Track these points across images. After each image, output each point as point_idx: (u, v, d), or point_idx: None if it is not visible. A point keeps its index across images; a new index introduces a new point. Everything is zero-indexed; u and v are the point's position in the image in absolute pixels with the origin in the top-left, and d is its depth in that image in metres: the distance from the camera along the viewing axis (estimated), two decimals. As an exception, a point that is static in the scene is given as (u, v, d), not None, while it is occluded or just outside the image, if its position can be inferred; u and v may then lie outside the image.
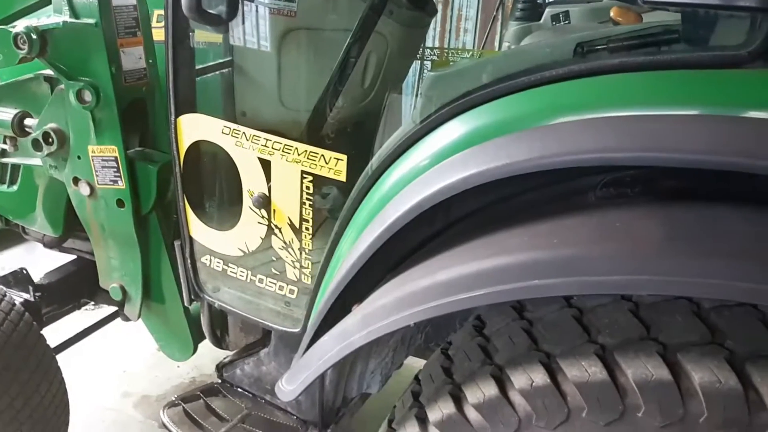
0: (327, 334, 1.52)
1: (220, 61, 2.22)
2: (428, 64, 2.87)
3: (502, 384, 1.26)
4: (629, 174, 1.33)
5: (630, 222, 1.19)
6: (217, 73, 2.24)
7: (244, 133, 1.81)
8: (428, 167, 1.44)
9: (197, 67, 1.99)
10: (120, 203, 2.20)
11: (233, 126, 1.83)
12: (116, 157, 2.13)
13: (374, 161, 1.65)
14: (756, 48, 1.20)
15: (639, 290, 1.12)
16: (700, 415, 1.07)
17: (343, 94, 2.30)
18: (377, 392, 2.20)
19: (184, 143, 1.95)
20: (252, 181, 1.85)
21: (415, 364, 2.46)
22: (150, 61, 2.21)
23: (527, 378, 1.22)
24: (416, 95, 2.31)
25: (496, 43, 4.72)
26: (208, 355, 2.74)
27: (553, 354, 1.23)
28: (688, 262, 1.06)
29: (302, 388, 1.56)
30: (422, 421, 1.37)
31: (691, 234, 1.12)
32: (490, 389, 1.26)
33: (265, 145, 1.79)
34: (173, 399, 2.32)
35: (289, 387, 1.61)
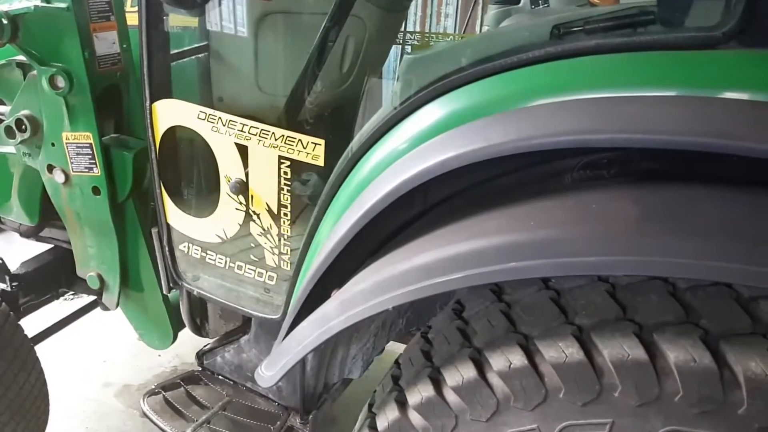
0: (306, 319, 1.51)
1: (196, 45, 2.18)
2: (409, 48, 2.84)
3: (481, 366, 1.26)
4: (605, 156, 1.33)
5: (605, 203, 1.20)
6: (194, 58, 2.21)
7: (220, 118, 1.79)
8: (406, 151, 1.43)
9: (173, 52, 1.96)
10: (96, 191, 2.17)
11: (209, 111, 1.81)
12: (91, 144, 2.09)
13: (353, 145, 1.64)
14: (730, 29, 1.21)
15: (614, 271, 1.12)
16: (675, 393, 1.08)
17: (321, 78, 2.28)
18: (359, 377, 2.20)
19: (160, 129, 1.93)
20: (229, 167, 1.84)
21: (396, 349, 2.47)
22: (124, 45, 2.18)
23: (505, 360, 1.22)
24: (390, 79, 2.29)
25: (477, 28, 4.71)
26: (190, 344, 2.72)
27: (531, 336, 1.24)
28: (662, 242, 1.06)
29: (281, 374, 1.56)
30: (401, 404, 1.38)
31: (665, 214, 1.13)
32: (468, 372, 1.26)
33: (242, 131, 1.77)
34: (153, 388, 2.31)
35: (268, 373, 1.60)
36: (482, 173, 1.46)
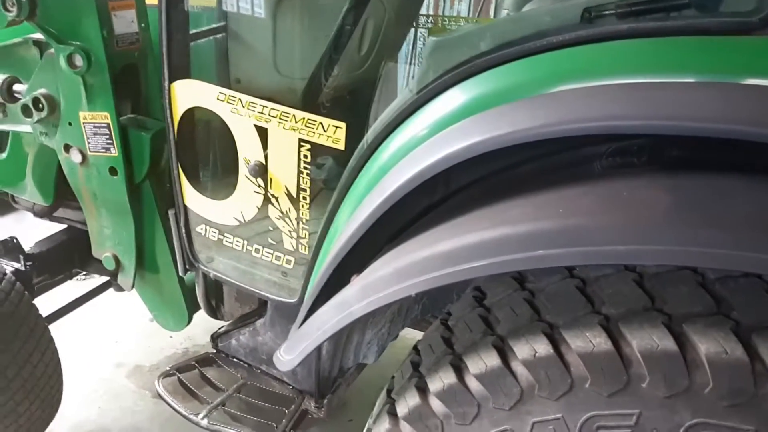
0: (326, 304, 1.50)
1: (215, 26, 2.16)
2: (424, 32, 2.80)
3: (504, 354, 1.25)
4: (636, 143, 1.31)
5: (636, 192, 1.17)
6: (211, 38, 2.19)
7: (240, 99, 1.77)
8: (429, 136, 1.41)
9: (192, 32, 1.93)
10: (112, 171, 2.16)
11: (229, 92, 1.79)
12: (108, 124, 2.08)
13: (374, 129, 1.61)
14: (766, 15, 1.18)
15: (644, 260, 1.10)
16: (705, 385, 1.07)
17: (340, 61, 2.26)
18: (373, 362, 2.19)
19: (178, 110, 1.91)
20: (248, 149, 1.82)
21: (409, 335, 2.47)
22: (142, 25, 2.15)
23: (530, 348, 1.20)
24: (411, 63, 2.26)
25: (492, 12, 4.65)
26: (201, 326, 2.72)
27: (557, 325, 1.22)
28: (694, 231, 1.04)
29: (301, 358, 1.55)
30: (422, 390, 1.36)
31: (696, 204, 1.11)
32: (492, 359, 1.25)
33: (262, 112, 1.75)
34: (168, 369, 2.32)
35: (287, 357, 1.60)
36: (505, 160, 1.44)
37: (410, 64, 2.66)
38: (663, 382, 1.09)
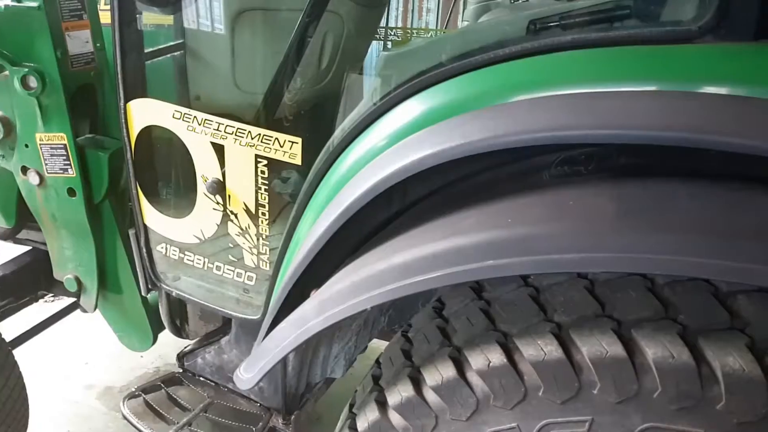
0: (284, 320, 1.50)
1: (172, 43, 2.15)
2: (389, 44, 2.83)
3: (460, 365, 1.25)
4: (583, 152, 1.33)
5: (583, 199, 1.19)
6: (170, 56, 2.18)
7: (195, 117, 1.76)
8: (384, 148, 1.42)
9: (148, 51, 1.93)
10: (71, 192, 2.13)
11: (184, 110, 1.78)
12: (65, 145, 2.06)
13: (330, 143, 1.62)
14: (706, 22, 1.20)
15: (593, 268, 1.12)
16: (654, 390, 1.08)
17: (300, 75, 2.25)
18: (341, 377, 2.18)
19: (135, 129, 1.90)
20: (205, 167, 1.81)
21: (381, 347, 2.46)
22: (98, 44, 2.14)
23: (485, 359, 1.21)
24: (368, 75, 2.27)
25: (459, 22, 4.71)
26: (173, 345, 2.69)
27: (510, 334, 1.23)
28: (641, 238, 1.06)
29: (260, 376, 1.54)
30: (382, 404, 1.36)
31: (643, 210, 1.12)
32: (448, 371, 1.25)
33: (218, 129, 1.74)
34: (133, 390, 2.28)
35: (247, 375, 1.59)
36: (461, 170, 1.45)
37: (368, 77, 2.68)
38: (613, 388, 1.11)
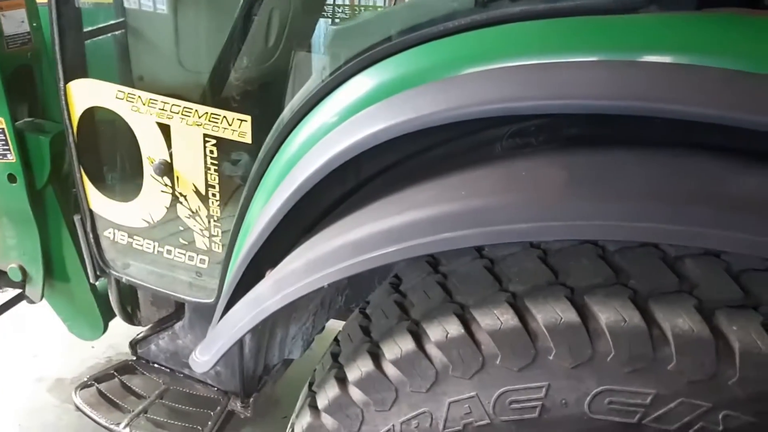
0: (240, 301, 1.48)
1: (113, 22, 2.08)
2: (338, 22, 2.79)
3: (419, 338, 1.26)
4: (534, 123, 1.34)
5: (534, 170, 1.20)
6: (110, 35, 2.11)
7: (139, 97, 1.71)
8: (336, 125, 1.40)
9: (87, 29, 1.85)
10: (11, 178, 2.05)
11: (128, 90, 1.73)
12: (3, 129, 1.98)
13: (280, 121, 1.59)
14: (651, -7, 1.22)
15: (544, 237, 1.13)
16: (607, 354, 1.10)
17: (246, 53, 2.21)
18: (299, 357, 2.17)
19: (77, 111, 1.84)
20: (152, 148, 1.77)
21: (337, 327, 2.45)
22: (34, 24, 2.05)
23: (442, 330, 1.22)
24: (317, 53, 2.24)
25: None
26: (124, 334, 2.63)
27: (467, 305, 1.24)
28: (589, 206, 1.07)
29: (216, 358, 1.52)
30: (341, 381, 1.36)
31: (592, 178, 1.14)
32: (406, 344, 1.25)
33: (163, 109, 1.70)
34: (86, 380, 2.23)
35: (203, 358, 1.56)
36: (414, 145, 1.45)
37: (316, 54, 2.65)
38: (568, 354, 1.13)
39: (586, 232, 1.09)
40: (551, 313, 1.14)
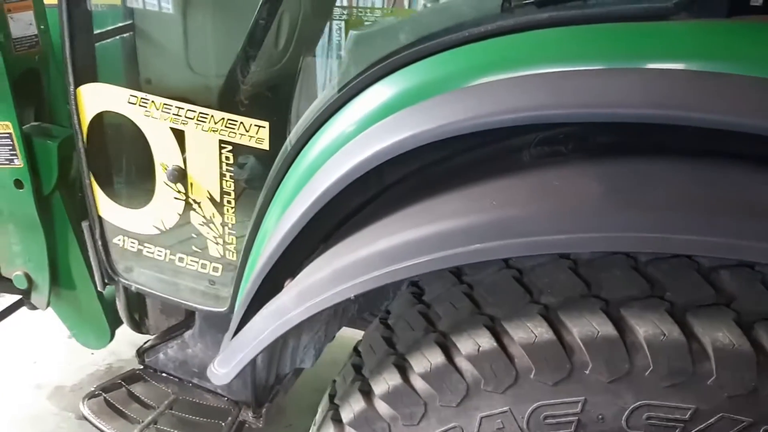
0: (260, 312, 1.45)
1: (121, 24, 2.04)
2: (341, 24, 2.77)
3: (448, 351, 1.23)
4: (561, 131, 1.31)
5: (567, 180, 1.18)
6: (117, 38, 2.07)
7: (153, 102, 1.68)
8: (358, 132, 1.38)
9: (96, 32, 1.82)
10: (18, 184, 2.01)
11: (141, 95, 1.70)
12: (10, 134, 1.94)
13: (298, 127, 1.57)
14: (681, 0, 1.20)
15: (582, 248, 1.11)
16: (646, 368, 1.08)
17: (257, 57, 2.18)
18: (310, 367, 2.14)
19: (86, 116, 1.80)
20: (165, 154, 1.73)
21: (345, 334, 2.42)
22: (42, 26, 2.02)
23: (473, 343, 1.19)
24: (329, 57, 2.22)
25: (406, 2, 4.65)
26: (124, 340, 2.59)
27: (497, 317, 1.22)
28: (628, 217, 1.05)
29: (237, 371, 1.49)
30: (367, 394, 1.33)
31: (627, 189, 1.12)
32: (436, 357, 1.23)
33: (178, 114, 1.67)
34: (92, 390, 2.19)
35: (222, 370, 1.53)
36: (436, 153, 1.42)
37: (328, 58, 2.62)
38: (605, 368, 1.11)
39: (625, 244, 1.07)
40: (587, 327, 1.11)
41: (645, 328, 1.09)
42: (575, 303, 1.16)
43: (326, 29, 2.73)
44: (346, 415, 1.35)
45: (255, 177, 1.72)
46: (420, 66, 1.35)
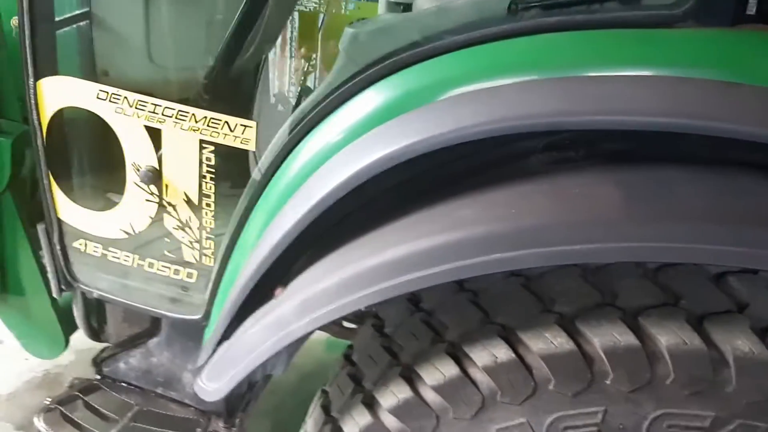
0: (255, 323, 1.37)
1: (77, 12, 1.90)
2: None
3: (460, 362, 1.20)
4: (567, 136, 1.30)
5: (585, 188, 1.16)
6: (73, 27, 1.92)
7: (126, 98, 1.57)
8: (357, 135, 1.32)
9: (60, 19, 1.69)
10: (-35, 183, 1.84)
11: (112, 90, 1.58)
12: (-44, 130, 1.77)
13: (285, 129, 1.49)
14: (689, 7, 1.21)
15: (608, 258, 1.10)
16: (666, 376, 1.09)
17: (222, 49, 2.08)
18: (282, 373, 2.06)
19: (47, 111, 1.66)
20: (138, 154, 1.62)
21: (320, 339, 2.36)
22: (-13, 13, 1.85)
23: (489, 354, 1.17)
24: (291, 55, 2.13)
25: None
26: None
27: (510, 326, 1.19)
28: (654, 227, 1.05)
29: (232, 386, 1.41)
30: (371, 407, 1.28)
31: (649, 198, 1.12)
32: (449, 368, 1.19)
33: (154, 112, 1.56)
34: (47, 404, 2.03)
35: (213, 385, 1.45)
36: (437, 158, 1.38)
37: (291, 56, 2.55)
38: (626, 377, 1.10)
39: (649, 254, 1.07)
40: (608, 337, 1.11)
41: (667, 336, 1.09)
42: (592, 312, 1.15)
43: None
44: (350, 429, 1.30)
45: (237, 179, 1.63)
46: (423, 67, 1.31)
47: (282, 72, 2.09)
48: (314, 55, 2.69)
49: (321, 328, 2.28)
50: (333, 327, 2.62)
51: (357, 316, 1.80)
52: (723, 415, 1.09)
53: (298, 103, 2.21)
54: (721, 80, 1.14)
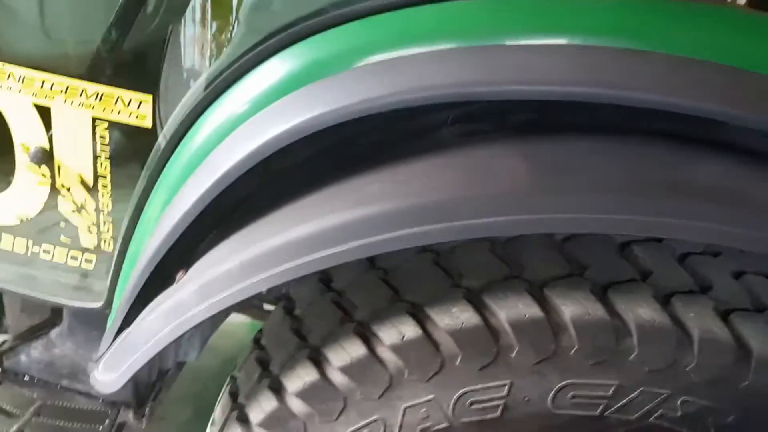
0: (153, 308, 1.30)
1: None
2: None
3: (368, 341, 1.17)
4: (476, 108, 1.28)
5: (497, 160, 1.14)
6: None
7: (12, 73, 1.45)
8: (259, 108, 1.25)
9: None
10: None
11: (-6, 64, 1.46)
12: None
13: (185, 102, 1.41)
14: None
15: (519, 231, 1.08)
16: (571, 347, 1.09)
17: (121, 20, 1.95)
18: (195, 359, 1.99)
19: None
20: (26, 133, 1.51)
21: (236, 322, 2.29)
22: None
23: (397, 332, 1.14)
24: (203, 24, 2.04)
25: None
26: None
27: (419, 303, 1.17)
28: (565, 199, 1.04)
29: (129, 376, 1.34)
30: (277, 391, 1.24)
31: (559, 169, 1.10)
32: (356, 348, 1.16)
33: (42, 87, 1.45)
34: (-60, 402, 1.90)
35: (109, 376, 1.37)
36: (342, 132, 1.33)
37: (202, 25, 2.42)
38: (532, 349, 1.10)
39: (556, 225, 1.06)
40: (514, 309, 1.10)
41: (571, 307, 1.09)
42: (499, 285, 1.14)
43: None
44: (255, 415, 1.26)
45: (134, 158, 1.54)
46: (327, 36, 1.25)
47: (195, 44, 1.97)
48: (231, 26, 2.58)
49: (241, 312, 2.25)
50: (253, 310, 2.57)
51: (276, 298, 1.75)
52: (626, 383, 1.10)
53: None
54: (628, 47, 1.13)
